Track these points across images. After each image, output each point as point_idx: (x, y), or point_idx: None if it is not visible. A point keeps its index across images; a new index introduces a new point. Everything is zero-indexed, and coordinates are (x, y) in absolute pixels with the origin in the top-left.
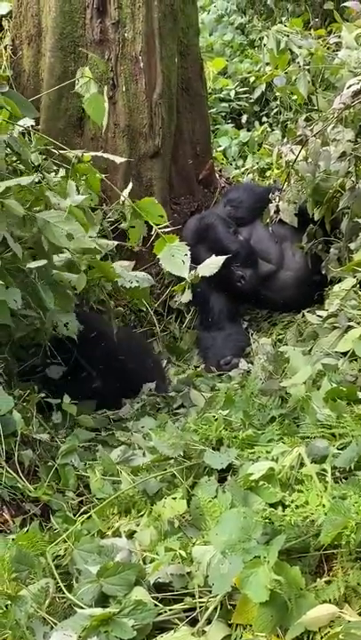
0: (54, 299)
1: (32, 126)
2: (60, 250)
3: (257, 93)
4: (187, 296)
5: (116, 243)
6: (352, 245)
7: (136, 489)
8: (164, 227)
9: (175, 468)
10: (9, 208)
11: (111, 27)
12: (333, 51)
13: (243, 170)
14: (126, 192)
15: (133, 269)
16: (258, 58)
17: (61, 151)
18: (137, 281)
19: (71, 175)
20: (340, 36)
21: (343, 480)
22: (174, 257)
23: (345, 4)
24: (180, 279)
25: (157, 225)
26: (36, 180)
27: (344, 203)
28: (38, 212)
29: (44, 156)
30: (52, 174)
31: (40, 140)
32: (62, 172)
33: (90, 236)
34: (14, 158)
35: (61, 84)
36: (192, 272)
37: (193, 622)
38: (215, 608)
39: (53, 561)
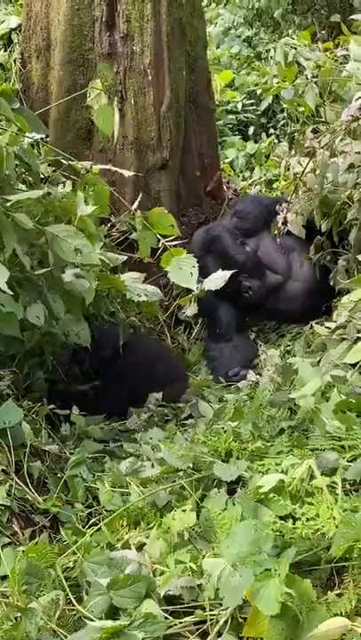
0: (65, 307)
1: (41, 138)
2: (68, 262)
3: (264, 105)
4: (193, 309)
5: (125, 257)
6: (360, 257)
7: (145, 501)
8: (172, 239)
9: (184, 479)
10: (18, 221)
11: (120, 40)
12: (341, 63)
13: (250, 181)
14: (136, 204)
15: None
16: (265, 70)
17: (70, 162)
18: (146, 295)
19: (80, 187)
20: (347, 49)
21: (354, 492)
22: (182, 269)
23: (353, 16)
24: (188, 291)
25: (168, 235)
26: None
27: (352, 214)
28: (47, 224)
29: (52, 168)
30: (61, 186)
31: (49, 151)
32: (69, 185)
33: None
34: (23, 170)
35: (70, 96)
36: (199, 285)
37: (203, 635)
38: (226, 621)
39: (63, 573)
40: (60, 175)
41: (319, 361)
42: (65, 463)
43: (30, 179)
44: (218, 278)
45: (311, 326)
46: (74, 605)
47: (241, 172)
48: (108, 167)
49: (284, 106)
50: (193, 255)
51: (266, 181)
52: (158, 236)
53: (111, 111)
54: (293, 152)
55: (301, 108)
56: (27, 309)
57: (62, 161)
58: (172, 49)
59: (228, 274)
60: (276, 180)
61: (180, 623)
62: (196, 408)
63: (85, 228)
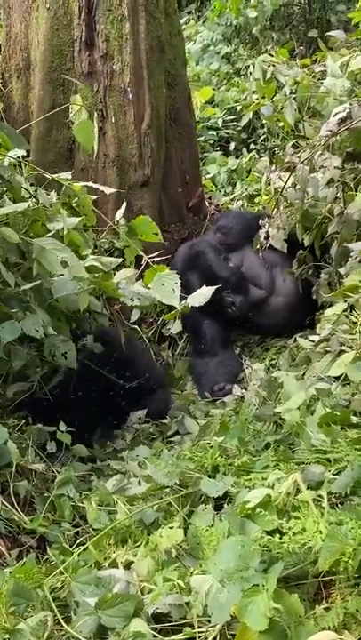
0: (51, 322)
1: (22, 157)
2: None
3: (244, 121)
4: (177, 326)
5: (119, 260)
6: (342, 270)
7: (132, 519)
8: (156, 255)
9: (171, 496)
10: (4, 235)
11: (99, 59)
12: (319, 79)
13: (232, 197)
14: (120, 213)
15: None
16: (244, 86)
17: (53, 175)
18: (138, 299)
19: (62, 199)
20: (325, 65)
21: (339, 505)
22: (164, 285)
23: (329, 33)
24: (172, 307)
25: (152, 251)
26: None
27: (333, 228)
28: (33, 237)
29: (35, 188)
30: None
31: (30, 169)
32: (54, 196)
33: (89, 255)
34: (4, 188)
35: (50, 112)
36: (183, 302)
37: None
38: (214, 638)
39: (51, 593)
40: (42, 191)
41: (304, 374)
42: (52, 482)
43: (11, 195)
44: (201, 295)
45: (295, 340)
46: (62, 626)
47: (223, 187)
48: (88, 184)
49: (264, 121)
50: (177, 271)
51: (248, 196)
52: (142, 253)
53: (91, 126)
54: (274, 167)
55: (281, 124)
56: (22, 322)
57: (45, 175)
58: (152, 67)
59: (211, 290)
60: (258, 195)
61: None
62: (183, 424)
63: (73, 239)
